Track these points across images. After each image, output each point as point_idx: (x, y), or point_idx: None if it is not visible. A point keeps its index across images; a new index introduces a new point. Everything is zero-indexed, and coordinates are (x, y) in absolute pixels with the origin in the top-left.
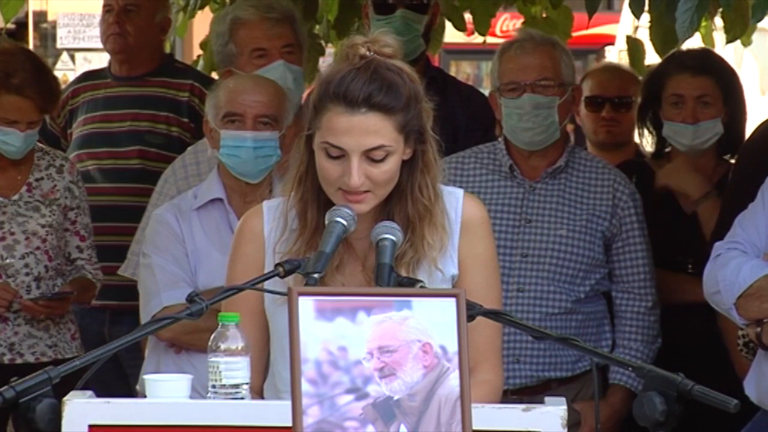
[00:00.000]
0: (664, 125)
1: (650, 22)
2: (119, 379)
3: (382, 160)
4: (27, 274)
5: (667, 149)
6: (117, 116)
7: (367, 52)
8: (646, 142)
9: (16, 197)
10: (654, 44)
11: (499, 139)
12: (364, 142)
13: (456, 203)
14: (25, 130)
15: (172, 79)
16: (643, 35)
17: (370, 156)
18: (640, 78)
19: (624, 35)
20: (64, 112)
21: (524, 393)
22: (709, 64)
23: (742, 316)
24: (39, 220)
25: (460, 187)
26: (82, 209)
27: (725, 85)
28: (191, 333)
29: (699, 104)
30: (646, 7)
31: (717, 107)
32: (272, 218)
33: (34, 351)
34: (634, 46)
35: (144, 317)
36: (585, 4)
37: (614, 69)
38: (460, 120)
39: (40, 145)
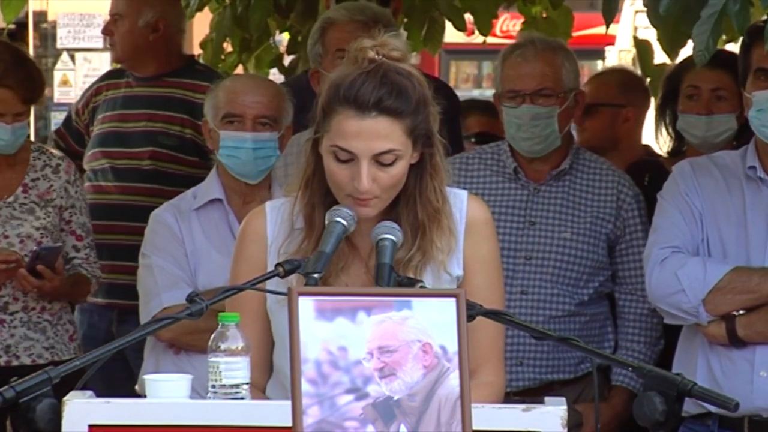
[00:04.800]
0: (678, 118)
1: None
2: (127, 378)
3: (391, 164)
4: None
5: (684, 148)
6: (132, 116)
7: (376, 56)
8: (663, 140)
9: (11, 199)
10: (662, 44)
11: (504, 141)
12: (374, 147)
13: (460, 204)
14: (12, 123)
15: (190, 80)
16: (645, 35)
17: (379, 160)
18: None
19: (624, 35)
20: (88, 110)
21: (526, 395)
22: (728, 61)
23: (710, 312)
24: (33, 222)
25: (464, 187)
26: (78, 208)
27: None
28: (191, 334)
29: (714, 97)
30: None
31: (732, 103)
32: (275, 219)
33: (30, 353)
34: (642, 47)
35: (144, 318)
36: (602, 11)
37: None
38: None
39: (37, 144)
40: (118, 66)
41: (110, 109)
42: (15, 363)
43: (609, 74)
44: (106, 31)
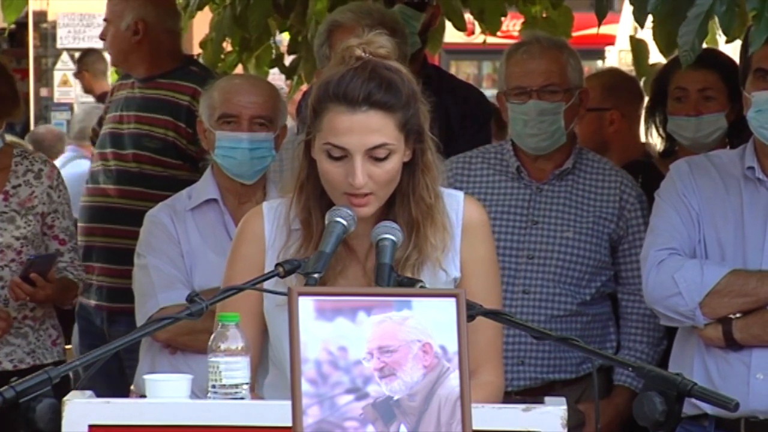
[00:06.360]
0: (668, 121)
1: (653, 22)
2: (120, 380)
3: (384, 159)
4: (2, 287)
5: (676, 148)
6: (127, 118)
7: (363, 54)
8: (653, 141)
9: None
10: (658, 45)
11: (507, 140)
12: (367, 141)
13: (456, 206)
14: None
15: (178, 82)
16: (644, 35)
17: (372, 155)
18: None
19: (624, 35)
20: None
21: (528, 394)
22: (714, 60)
23: (707, 315)
24: (14, 232)
25: (467, 187)
26: (61, 213)
27: (731, 82)
28: (188, 334)
29: (701, 98)
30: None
31: (721, 102)
32: (272, 219)
33: (11, 358)
34: (637, 47)
35: (140, 319)
36: (594, 8)
37: None
38: (454, 118)
39: (20, 149)
40: None
41: (112, 111)
42: None
43: (595, 78)
44: (102, 36)
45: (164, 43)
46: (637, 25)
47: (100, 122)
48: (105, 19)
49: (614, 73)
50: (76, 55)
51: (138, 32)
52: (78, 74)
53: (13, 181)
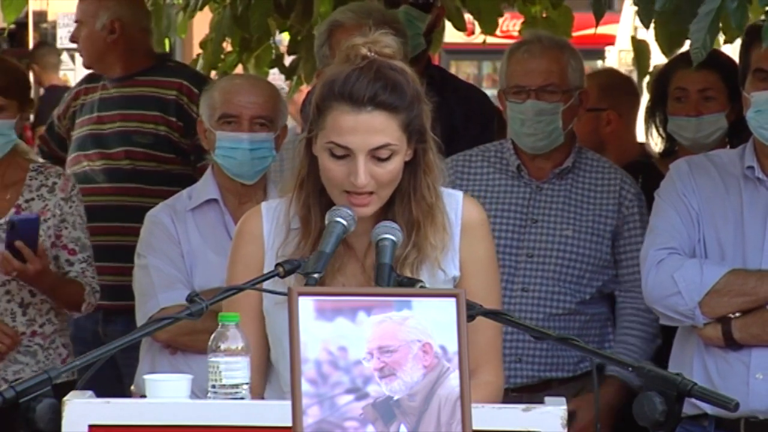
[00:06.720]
0: (668, 121)
1: (655, 23)
2: (115, 379)
3: (387, 159)
4: (9, 301)
5: (676, 148)
6: (108, 118)
7: (368, 53)
8: (653, 141)
9: (2, 221)
10: (660, 45)
11: (507, 139)
12: (370, 141)
13: (456, 205)
14: None
15: (160, 78)
16: (644, 35)
17: (375, 155)
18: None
19: (624, 35)
20: (68, 114)
21: (525, 392)
22: (714, 60)
23: (707, 314)
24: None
25: (467, 185)
26: (70, 223)
27: (731, 82)
28: (188, 334)
29: (702, 98)
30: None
31: (721, 102)
32: (271, 219)
33: (19, 377)
34: (639, 48)
35: (140, 319)
36: (592, 8)
37: None
38: (457, 119)
39: (37, 164)
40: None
41: (88, 113)
42: (3, 385)
43: (591, 78)
44: (73, 38)
45: (139, 42)
46: (637, 25)
47: (50, 127)
48: (76, 21)
49: (611, 73)
50: (77, 55)
51: (114, 31)
52: (28, 66)
53: (26, 195)
